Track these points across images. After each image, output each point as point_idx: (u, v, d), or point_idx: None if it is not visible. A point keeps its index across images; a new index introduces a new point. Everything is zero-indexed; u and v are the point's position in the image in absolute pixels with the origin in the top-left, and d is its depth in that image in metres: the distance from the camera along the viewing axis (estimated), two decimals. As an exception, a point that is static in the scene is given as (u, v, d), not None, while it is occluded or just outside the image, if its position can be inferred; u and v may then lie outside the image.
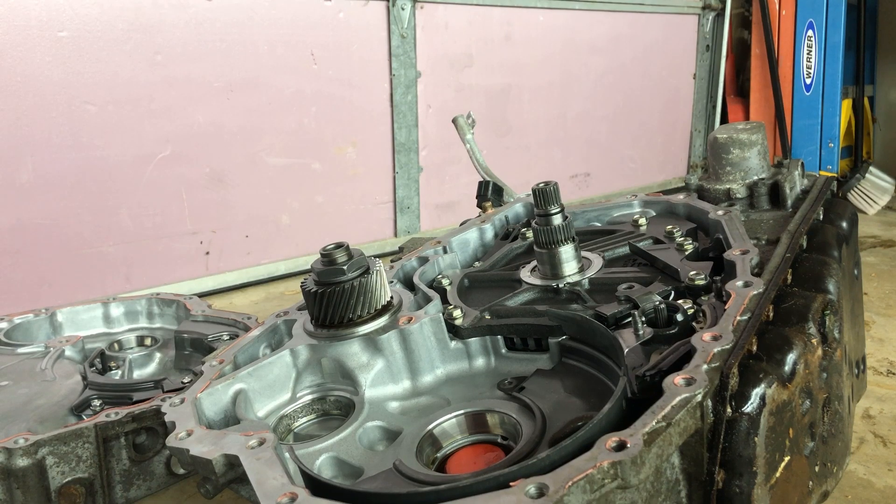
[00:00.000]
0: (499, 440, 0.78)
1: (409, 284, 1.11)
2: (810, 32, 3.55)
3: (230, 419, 0.83)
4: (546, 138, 3.39)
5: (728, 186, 1.24)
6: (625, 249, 1.07)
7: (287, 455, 0.68)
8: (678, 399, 0.62)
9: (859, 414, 1.29)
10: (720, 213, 1.05)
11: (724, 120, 4.07)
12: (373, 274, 0.91)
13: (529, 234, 1.16)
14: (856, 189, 3.49)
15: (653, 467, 0.58)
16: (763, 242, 1.04)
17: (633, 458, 0.56)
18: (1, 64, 1.96)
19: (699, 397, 0.63)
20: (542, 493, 0.54)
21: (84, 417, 1.13)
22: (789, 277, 0.87)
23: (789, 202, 1.19)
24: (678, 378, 0.64)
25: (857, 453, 1.17)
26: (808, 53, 3.58)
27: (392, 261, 1.16)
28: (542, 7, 3.18)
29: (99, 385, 1.21)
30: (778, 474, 0.68)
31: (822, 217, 1.10)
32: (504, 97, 3.17)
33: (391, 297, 0.95)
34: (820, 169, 3.65)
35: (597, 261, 1.04)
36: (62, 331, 1.50)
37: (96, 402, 1.16)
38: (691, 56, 3.93)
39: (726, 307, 0.76)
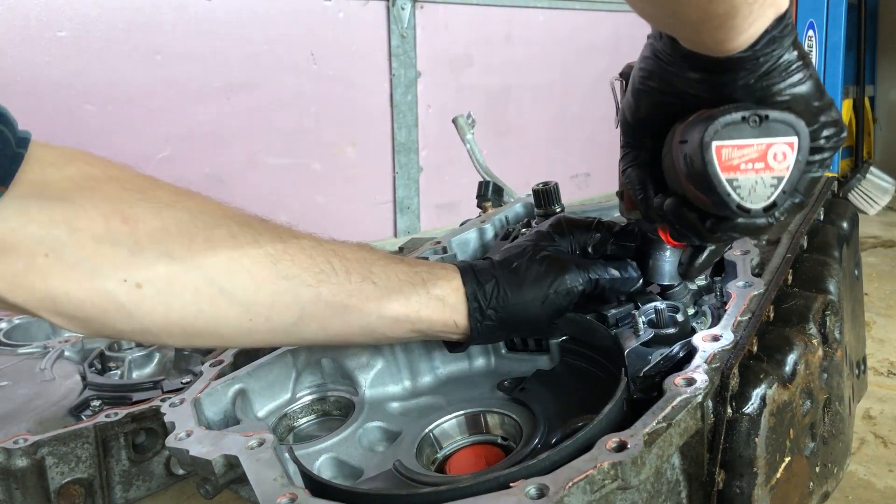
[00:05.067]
0: (499, 441, 0.78)
1: (409, 285, 1.10)
2: (811, 32, 3.55)
3: (230, 419, 0.83)
4: (546, 138, 3.39)
5: (728, 186, 1.24)
6: (625, 249, 1.07)
7: (287, 455, 0.68)
8: (679, 399, 0.62)
9: (860, 415, 1.29)
10: (720, 213, 1.05)
11: (724, 120, 4.06)
12: (373, 274, 0.91)
13: (529, 234, 1.16)
14: (856, 189, 3.49)
15: (653, 468, 0.58)
16: (763, 243, 1.04)
17: (634, 458, 0.56)
18: (1, 64, 1.96)
19: (700, 398, 0.63)
20: (542, 493, 0.54)
21: (83, 418, 1.13)
22: (790, 278, 0.87)
23: (790, 202, 1.19)
24: (679, 378, 0.64)
25: (858, 454, 1.17)
26: (808, 53, 3.58)
27: (392, 261, 1.16)
28: (542, 7, 3.18)
29: (98, 385, 1.21)
30: (778, 475, 0.68)
31: (822, 217, 1.10)
32: (504, 97, 3.17)
33: (391, 298, 0.95)
34: (820, 169, 3.64)
35: (597, 261, 1.03)
36: (62, 331, 1.49)
37: (95, 403, 1.16)
38: (691, 56, 3.93)
39: (727, 307, 0.76)
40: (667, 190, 0.71)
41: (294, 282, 0.71)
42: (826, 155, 0.65)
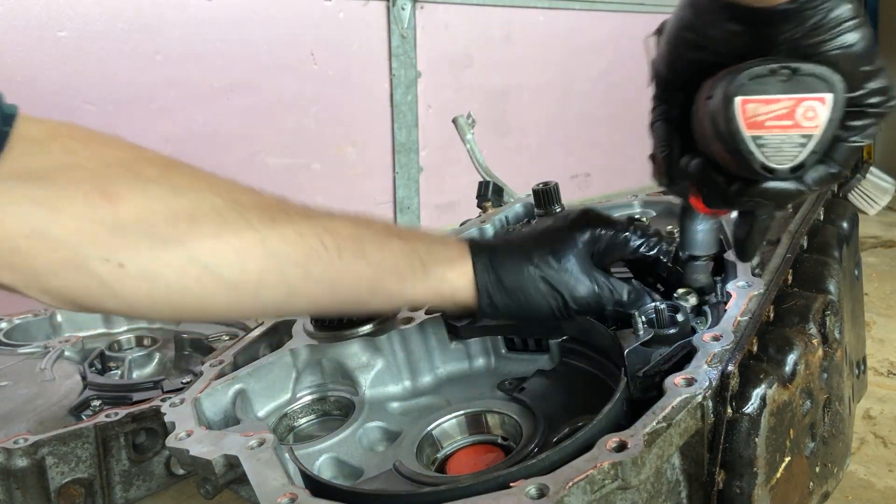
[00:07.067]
0: (499, 441, 0.78)
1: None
2: (810, 32, 3.54)
3: (230, 419, 0.83)
4: (546, 138, 3.39)
5: (728, 186, 1.24)
6: (625, 249, 1.07)
7: (287, 456, 0.68)
8: (679, 399, 0.62)
9: (860, 415, 1.29)
10: (720, 213, 1.05)
11: (724, 120, 4.06)
12: (373, 274, 0.91)
13: (529, 234, 1.15)
14: (856, 189, 3.49)
15: (653, 468, 0.58)
16: (763, 242, 1.04)
17: (634, 458, 0.56)
18: (1, 64, 1.96)
19: (700, 398, 0.63)
20: (542, 493, 0.54)
21: (83, 418, 1.13)
22: (790, 278, 0.87)
23: (790, 202, 1.19)
24: (679, 378, 0.64)
25: (858, 454, 1.17)
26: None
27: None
28: (542, 7, 3.18)
29: (98, 385, 1.21)
30: (778, 475, 0.68)
31: (822, 217, 1.10)
32: (504, 97, 3.17)
33: (391, 298, 0.95)
34: (820, 169, 3.63)
35: (597, 261, 1.03)
36: (62, 331, 1.49)
37: (96, 403, 1.16)
38: (691, 56, 3.93)
39: (727, 307, 0.76)
40: (696, 150, 0.66)
41: (282, 260, 0.70)
42: (868, 121, 0.59)
